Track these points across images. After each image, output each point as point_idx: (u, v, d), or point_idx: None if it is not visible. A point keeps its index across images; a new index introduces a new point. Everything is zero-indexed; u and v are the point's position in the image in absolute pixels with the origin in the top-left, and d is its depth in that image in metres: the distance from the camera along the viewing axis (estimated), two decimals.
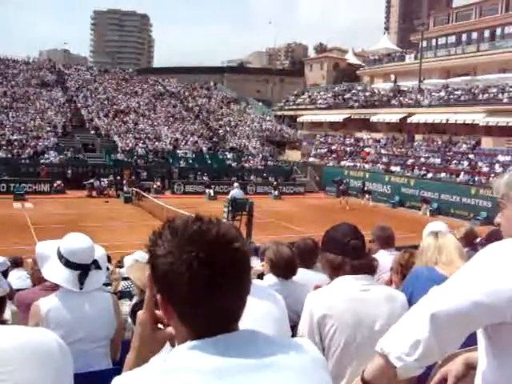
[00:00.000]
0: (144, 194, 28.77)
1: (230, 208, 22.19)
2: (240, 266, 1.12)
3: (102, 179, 32.51)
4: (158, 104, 51.04)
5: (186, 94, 56.82)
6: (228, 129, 48.95)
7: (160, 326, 1.28)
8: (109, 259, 8.57)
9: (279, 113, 59.38)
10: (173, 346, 1.21)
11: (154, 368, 1.05)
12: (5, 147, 34.93)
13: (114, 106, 47.49)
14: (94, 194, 31.18)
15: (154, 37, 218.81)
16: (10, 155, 34.40)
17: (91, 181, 31.80)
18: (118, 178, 32.78)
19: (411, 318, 1.51)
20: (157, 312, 1.25)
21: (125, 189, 30.61)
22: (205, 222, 1.13)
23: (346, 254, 2.54)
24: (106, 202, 29.11)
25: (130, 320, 3.04)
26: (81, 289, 2.95)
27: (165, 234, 1.14)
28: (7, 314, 3.14)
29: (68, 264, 2.95)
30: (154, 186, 33.29)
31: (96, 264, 3.04)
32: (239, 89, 68.90)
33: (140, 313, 1.31)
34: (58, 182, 31.90)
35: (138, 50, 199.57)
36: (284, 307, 2.65)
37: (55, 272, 2.97)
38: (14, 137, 36.82)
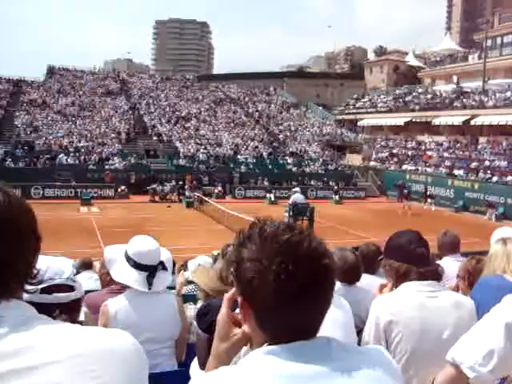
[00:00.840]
0: (205, 198, 29.11)
1: (291, 213, 22.12)
2: (327, 283, 1.12)
3: (164, 184, 33.17)
4: (218, 110, 51.61)
5: (246, 99, 57.20)
6: (288, 133, 48.92)
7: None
8: (173, 263, 8.71)
9: (339, 117, 58.88)
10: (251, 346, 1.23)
11: (230, 370, 1.07)
12: (72, 154, 36.17)
13: (176, 113, 48.33)
14: (157, 198, 31.78)
15: (214, 44, 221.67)
16: (77, 161, 35.63)
17: (154, 186, 32.45)
18: (180, 183, 33.30)
19: (485, 327, 1.47)
20: (234, 313, 1.28)
21: (187, 194, 31.03)
22: (296, 232, 1.12)
23: (412, 261, 2.50)
24: (168, 207, 29.58)
25: (195, 323, 3.07)
26: (149, 289, 3.01)
27: (254, 237, 1.13)
28: (81, 316, 3.26)
29: (136, 265, 3.03)
30: (216, 191, 33.60)
31: (162, 265, 3.11)
32: (299, 93, 68.74)
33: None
34: (122, 187, 32.80)
35: (198, 57, 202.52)
36: (350, 313, 2.64)
37: (124, 274, 3.05)
38: (81, 144, 38.14)
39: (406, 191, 32.94)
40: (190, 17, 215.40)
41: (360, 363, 1.10)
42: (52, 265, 2.41)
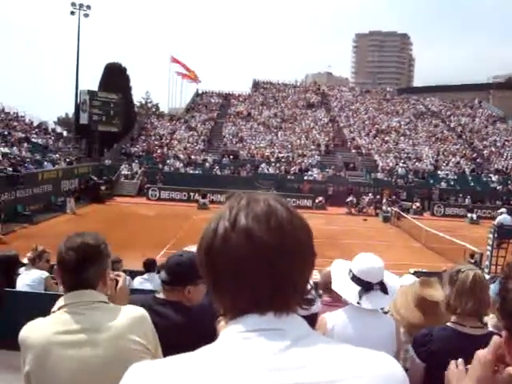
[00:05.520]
0: (403, 214, 28.63)
1: (496, 234, 20.91)
2: None
3: (361, 197, 33.26)
4: (418, 123, 50.41)
5: (448, 113, 55.04)
6: (493, 149, 46.03)
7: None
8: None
9: None
10: None
11: None
12: (273, 164, 37.87)
13: (375, 126, 48.22)
14: (354, 211, 31.95)
15: (415, 55, 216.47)
16: (277, 171, 37.21)
17: (351, 198, 32.65)
18: (378, 196, 33.21)
19: None
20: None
21: (384, 208, 30.76)
22: None
23: None
24: (364, 220, 29.57)
25: (411, 349, 2.97)
26: (358, 303, 2.99)
27: None
28: None
29: (354, 278, 3.06)
30: (414, 207, 32.88)
31: (381, 286, 3.06)
32: (507, 106, 64.35)
33: (480, 351, 1.15)
34: (320, 197, 33.48)
35: (398, 69, 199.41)
36: None
37: (342, 284, 3.10)
38: (282, 154, 39.74)
39: None
40: (390, 29, 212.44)
41: None
42: None
